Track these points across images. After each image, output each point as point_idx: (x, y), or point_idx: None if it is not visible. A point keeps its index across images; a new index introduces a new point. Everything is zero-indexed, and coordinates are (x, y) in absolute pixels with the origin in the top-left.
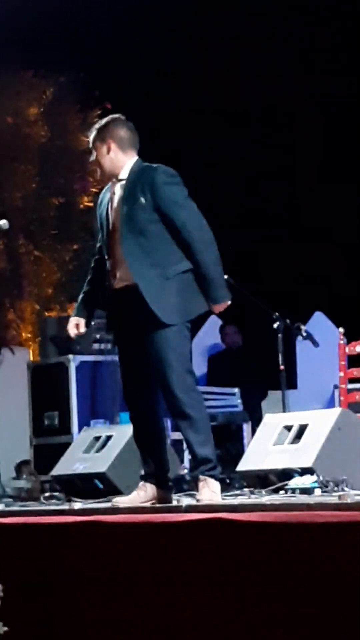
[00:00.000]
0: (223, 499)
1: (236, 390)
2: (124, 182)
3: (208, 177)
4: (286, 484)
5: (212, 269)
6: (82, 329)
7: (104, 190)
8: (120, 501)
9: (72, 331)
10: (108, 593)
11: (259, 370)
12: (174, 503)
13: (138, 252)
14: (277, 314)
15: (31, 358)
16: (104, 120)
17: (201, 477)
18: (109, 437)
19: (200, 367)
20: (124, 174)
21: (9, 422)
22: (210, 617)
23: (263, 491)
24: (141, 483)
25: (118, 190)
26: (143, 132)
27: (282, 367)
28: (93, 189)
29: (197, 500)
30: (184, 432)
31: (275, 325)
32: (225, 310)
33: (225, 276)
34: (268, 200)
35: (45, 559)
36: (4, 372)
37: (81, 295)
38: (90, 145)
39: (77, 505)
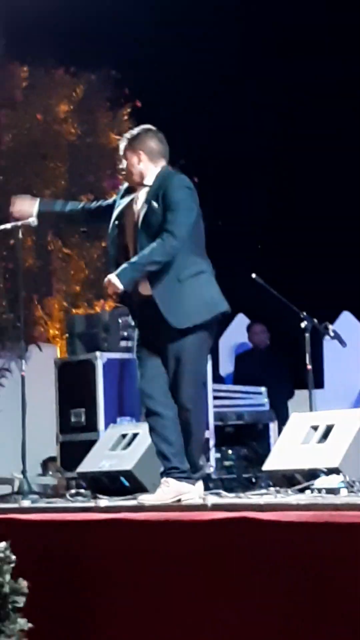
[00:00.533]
0: (248, 498)
1: (263, 389)
2: (148, 188)
3: (237, 175)
4: (312, 484)
5: (149, 262)
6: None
7: (120, 192)
8: (146, 499)
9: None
10: (133, 591)
11: (286, 369)
12: (199, 501)
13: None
14: (304, 313)
15: (58, 355)
16: (135, 130)
17: (163, 479)
18: (135, 435)
19: (227, 365)
20: (149, 181)
21: (36, 419)
22: (236, 615)
23: (289, 491)
24: (163, 479)
25: (142, 195)
26: (172, 130)
27: (309, 367)
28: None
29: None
30: (182, 434)
31: (302, 325)
32: (253, 309)
33: (253, 275)
34: (297, 199)
35: (70, 556)
36: (31, 369)
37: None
38: (121, 153)
39: (103, 502)
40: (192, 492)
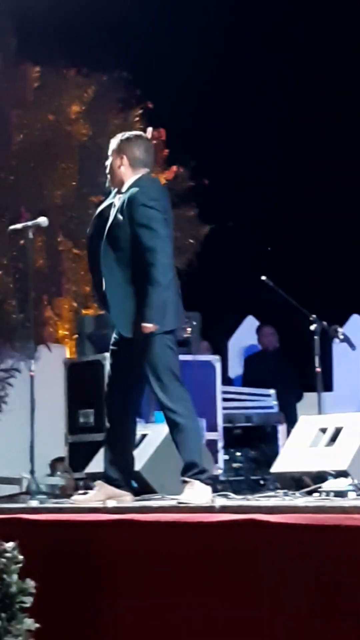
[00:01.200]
0: (256, 500)
1: (272, 391)
2: (121, 195)
3: (247, 176)
4: (320, 487)
5: (159, 292)
6: None
7: (107, 199)
8: (79, 500)
9: None
10: (140, 591)
11: (295, 372)
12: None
13: (114, 267)
14: (314, 316)
15: (68, 355)
16: (127, 134)
17: (187, 479)
18: (143, 436)
19: (236, 367)
20: (124, 188)
21: (45, 419)
22: (243, 617)
23: (297, 493)
24: (99, 482)
25: (117, 202)
26: (183, 131)
27: (318, 369)
28: None
29: (178, 502)
30: (173, 437)
31: (312, 327)
32: (262, 311)
33: (263, 277)
34: (308, 201)
35: (78, 556)
36: (40, 369)
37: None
38: (109, 152)
39: (111, 503)
40: (124, 498)
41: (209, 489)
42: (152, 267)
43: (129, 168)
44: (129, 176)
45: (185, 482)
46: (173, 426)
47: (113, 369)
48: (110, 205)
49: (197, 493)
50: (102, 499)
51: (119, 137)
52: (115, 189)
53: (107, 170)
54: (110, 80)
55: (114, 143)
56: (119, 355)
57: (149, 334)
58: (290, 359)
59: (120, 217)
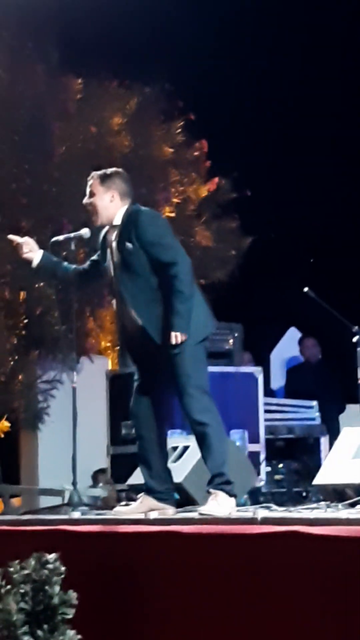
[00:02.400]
0: (298, 512)
1: (314, 403)
2: (117, 228)
3: (290, 188)
4: None
5: (185, 302)
6: (28, 254)
7: (102, 233)
8: (121, 511)
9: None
10: (182, 603)
11: (337, 383)
12: (249, 514)
13: (137, 293)
14: (356, 327)
15: (110, 367)
16: (105, 170)
17: (212, 490)
18: (186, 448)
19: (278, 379)
20: (117, 220)
21: (87, 431)
22: (286, 628)
23: (340, 505)
24: (142, 494)
25: (113, 236)
26: (226, 142)
27: None
28: (175, 200)
29: (199, 512)
30: (200, 448)
31: (354, 339)
32: (305, 322)
33: (306, 288)
34: (349, 212)
35: (120, 567)
36: (82, 381)
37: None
38: (90, 189)
39: (153, 514)
40: (166, 511)
41: (232, 500)
42: (175, 279)
43: (120, 202)
44: (119, 209)
45: (209, 492)
46: (200, 437)
47: (140, 382)
48: (105, 246)
49: (219, 504)
50: (144, 510)
51: (99, 174)
52: (104, 225)
53: (93, 209)
54: (152, 92)
55: (95, 182)
56: (145, 368)
57: (178, 343)
58: (333, 371)
59: (130, 245)
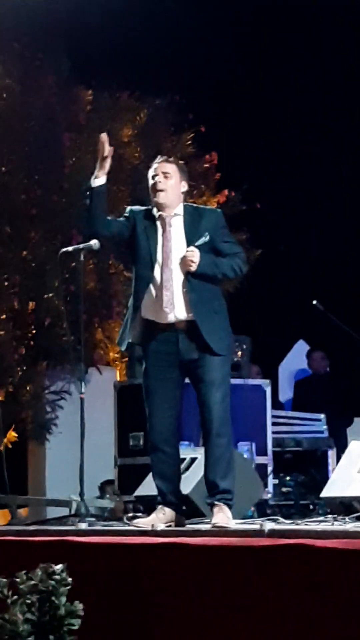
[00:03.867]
0: (305, 524)
1: (322, 416)
2: (179, 218)
3: (300, 200)
4: None
5: (226, 268)
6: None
7: (138, 212)
8: (140, 522)
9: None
10: (189, 615)
11: (345, 396)
12: (256, 527)
13: (197, 288)
14: None
15: (118, 378)
16: (181, 161)
17: (217, 503)
18: (193, 460)
19: (286, 392)
20: (179, 210)
21: (95, 442)
22: None
23: (347, 518)
24: (159, 506)
25: (176, 223)
26: (236, 155)
27: None
28: None
29: (213, 524)
30: (210, 459)
31: None
32: (313, 335)
33: (314, 301)
34: (357, 225)
35: (126, 579)
36: (90, 392)
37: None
38: (164, 169)
39: (160, 526)
40: (182, 522)
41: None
42: (234, 267)
43: (183, 195)
44: (181, 201)
45: (214, 504)
46: (216, 449)
47: (155, 393)
48: (157, 230)
49: (228, 517)
50: (164, 522)
51: (175, 161)
52: (161, 207)
53: (164, 186)
54: (162, 104)
55: (179, 165)
56: (163, 379)
57: (220, 354)
58: (341, 384)
59: (205, 239)
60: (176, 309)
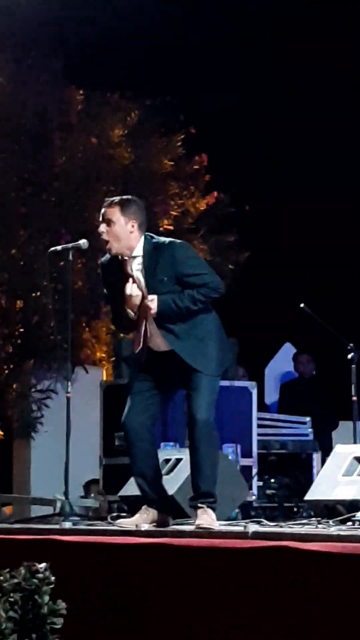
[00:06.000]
0: (289, 527)
1: (307, 419)
2: (139, 259)
3: (288, 204)
4: (354, 515)
5: (188, 303)
6: None
7: (105, 261)
8: (124, 522)
9: None
10: (172, 616)
11: (331, 400)
12: (240, 529)
13: (171, 324)
14: (351, 344)
15: (104, 378)
16: (125, 198)
17: (201, 505)
18: (178, 460)
19: (272, 394)
20: (138, 251)
21: (80, 441)
22: None
23: (330, 521)
24: (144, 507)
25: (135, 266)
26: (225, 157)
27: (354, 398)
28: (174, 212)
29: (197, 525)
30: (191, 463)
31: (349, 356)
32: (300, 338)
33: (302, 304)
34: (348, 230)
35: (110, 579)
36: (76, 391)
37: None
38: (107, 217)
39: (144, 526)
40: (167, 522)
41: (214, 515)
42: (204, 292)
43: (138, 232)
44: (138, 239)
45: (198, 507)
46: (199, 454)
47: (136, 392)
48: (121, 277)
49: (213, 517)
50: (148, 522)
51: (116, 201)
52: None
53: (109, 237)
54: (153, 104)
55: (123, 204)
56: (146, 379)
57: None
58: (327, 387)
59: (165, 278)
60: (156, 342)
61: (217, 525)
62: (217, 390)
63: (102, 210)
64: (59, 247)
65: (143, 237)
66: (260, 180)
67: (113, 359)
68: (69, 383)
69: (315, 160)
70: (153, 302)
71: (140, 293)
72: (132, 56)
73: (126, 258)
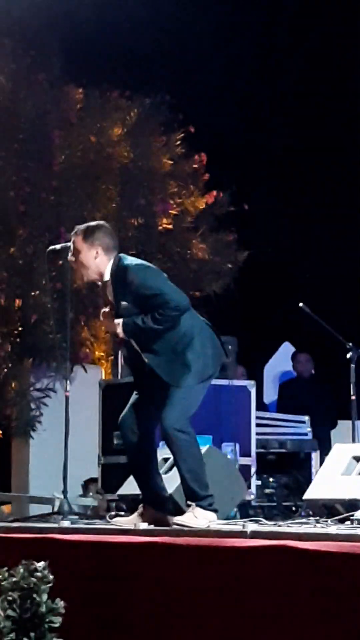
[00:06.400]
0: (287, 526)
1: (306, 418)
2: (108, 283)
3: (287, 203)
4: (352, 515)
5: (150, 325)
6: None
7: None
8: (120, 521)
9: None
10: (170, 614)
11: (331, 399)
12: (239, 528)
13: (144, 341)
14: (350, 344)
15: (103, 376)
16: (88, 225)
17: (190, 503)
18: None
19: (271, 393)
20: (107, 276)
21: (79, 440)
22: None
23: (329, 520)
24: (141, 506)
25: (109, 291)
26: (224, 157)
27: (353, 397)
28: (173, 212)
29: (173, 522)
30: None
31: (348, 355)
32: (299, 337)
33: (300, 304)
34: (346, 230)
35: (108, 577)
36: (75, 390)
37: None
38: (74, 246)
39: (142, 525)
40: (166, 521)
41: (210, 514)
42: (164, 312)
43: (104, 256)
44: (106, 264)
45: (188, 505)
46: (179, 464)
47: (136, 391)
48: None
49: (196, 517)
50: (145, 521)
51: (82, 229)
52: (93, 282)
53: (77, 266)
54: (153, 103)
55: (79, 239)
56: (144, 380)
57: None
58: (326, 386)
59: (124, 303)
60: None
61: (195, 524)
62: (195, 396)
63: (71, 241)
64: (58, 246)
65: (111, 261)
66: (259, 179)
67: (112, 357)
68: (68, 382)
69: (314, 159)
70: (118, 326)
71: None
72: (132, 55)
73: (99, 283)
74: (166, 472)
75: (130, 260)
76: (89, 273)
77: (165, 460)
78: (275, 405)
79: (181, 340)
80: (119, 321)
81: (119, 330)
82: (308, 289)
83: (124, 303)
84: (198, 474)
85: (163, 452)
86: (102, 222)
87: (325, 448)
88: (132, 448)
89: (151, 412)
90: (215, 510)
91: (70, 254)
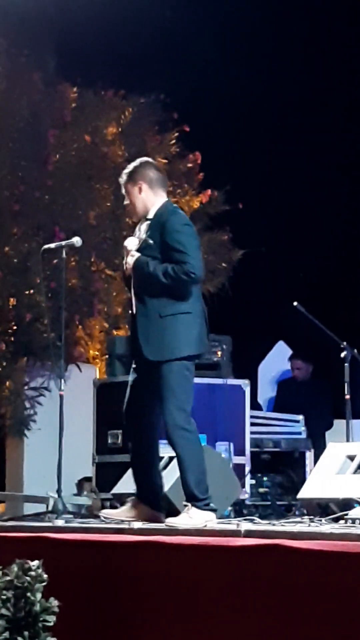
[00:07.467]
0: (282, 525)
1: (300, 417)
2: (149, 222)
3: (282, 202)
4: (347, 514)
5: (161, 272)
6: None
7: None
8: (108, 513)
9: None
10: (164, 613)
11: (328, 400)
12: (233, 527)
13: (142, 289)
14: (345, 343)
15: (97, 376)
16: (132, 164)
17: (186, 503)
18: (171, 458)
19: (265, 392)
20: (151, 214)
21: (73, 439)
22: None
23: (323, 520)
24: (132, 499)
25: (143, 228)
26: (219, 155)
27: (347, 397)
28: None
29: (165, 524)
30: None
31: (342, 354)
32: (293, 336)
33: (295, 303)
34: (341, 228)
35: (102, 576)
36: (70, 389)
37: None
38: (123, 190)
39: (137, 524)
40: (157, 519)
41: (207, 514)
42: (176, 267)
43: (150, 191)
44: (152, 200)
45: (185, 505)
46: (176, 456)
47: (132, 390)
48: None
49: (191, 517)
50: (132, 515)
51: (126, 171)
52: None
53: (129, 207)
54: (147, 102)
55: (124, 179)
56: (140, 377)
57: (169, 359)
58: (323, 387)
59: (151, 241)
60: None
61: (194, 524)
62: (183, 376)
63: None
64: (52, 245)
65: (161, 202)
66: (254, 178)
67: (106, 356)
68: (62, 381)
69: (309, 157)
70: (133, 257)
71: (133, 249)
72: (126, 54)
73: (137, 221)
74: (163, 469)
75: (179, 210)
76: (136, 210)
77: (160, 458)
78: (269, 403)
79: (173, 307)
80: (136, 254)
81: (131, 260)
82: (303, 287)
83: (150, 240)
84: (198, 473)
85: (168, 450)
86: (145, 158)
87: (320, 448)
88: (134, 441)
89: (154, 404)
90: (213, 510)
91: (126, 197)
